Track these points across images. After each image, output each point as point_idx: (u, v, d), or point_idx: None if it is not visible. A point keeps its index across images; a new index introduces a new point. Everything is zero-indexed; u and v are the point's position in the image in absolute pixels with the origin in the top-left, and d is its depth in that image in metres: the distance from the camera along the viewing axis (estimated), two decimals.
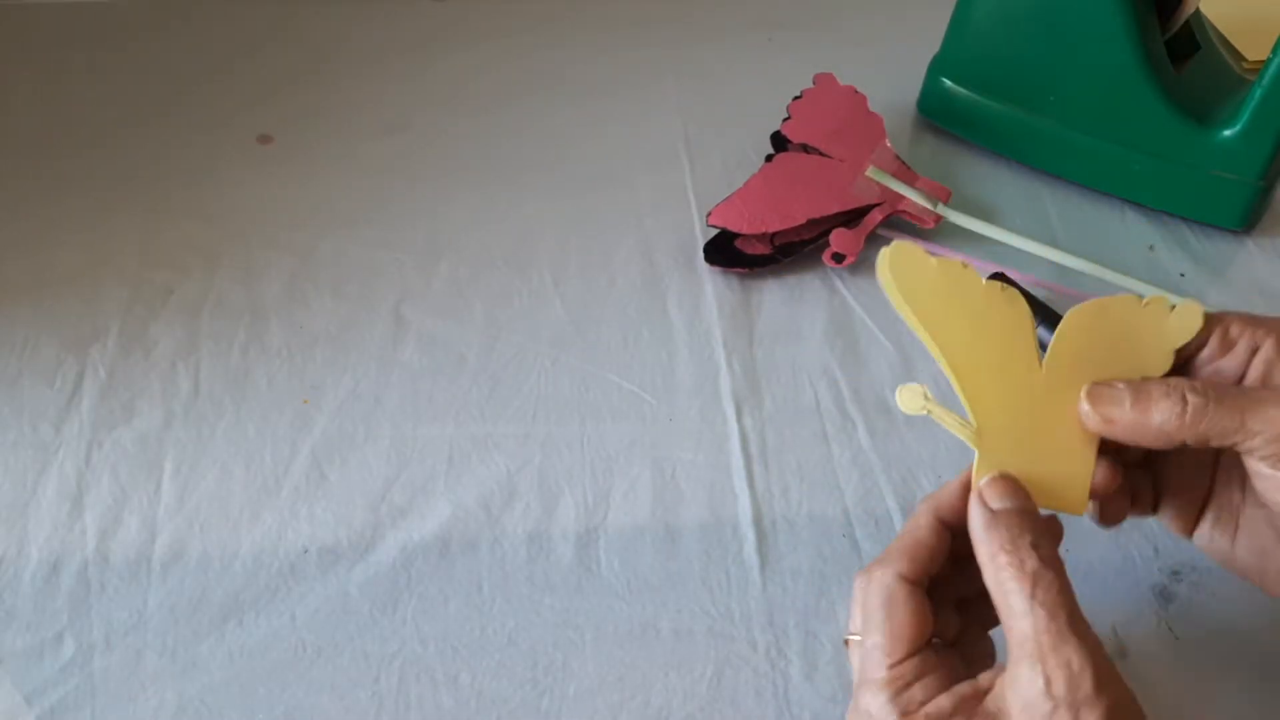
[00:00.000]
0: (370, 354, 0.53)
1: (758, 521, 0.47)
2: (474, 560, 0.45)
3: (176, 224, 0.59)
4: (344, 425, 0.50)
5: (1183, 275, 0.59)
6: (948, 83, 0.65)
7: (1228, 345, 0.38)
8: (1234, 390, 0.36)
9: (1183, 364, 0.39)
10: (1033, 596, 0.33)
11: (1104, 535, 0.46)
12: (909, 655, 0.35)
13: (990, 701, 0.33)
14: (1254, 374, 0.38)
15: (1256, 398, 0.36)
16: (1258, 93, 0.56)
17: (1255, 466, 0.37)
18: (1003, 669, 0.34)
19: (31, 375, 0.51)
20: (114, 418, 0.49)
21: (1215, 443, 0.36)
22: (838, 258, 0.57)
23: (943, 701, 0.34)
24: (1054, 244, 0.59)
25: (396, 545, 0.45)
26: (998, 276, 0.55)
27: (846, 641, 0.39)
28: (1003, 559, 0.34)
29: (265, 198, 0.60)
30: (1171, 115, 0.59)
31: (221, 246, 0.57)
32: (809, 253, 0.58)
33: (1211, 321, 0.38)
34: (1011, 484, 0.36)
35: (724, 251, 0.57)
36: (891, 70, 0.67)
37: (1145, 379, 0.37)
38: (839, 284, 0.57)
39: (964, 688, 0.34)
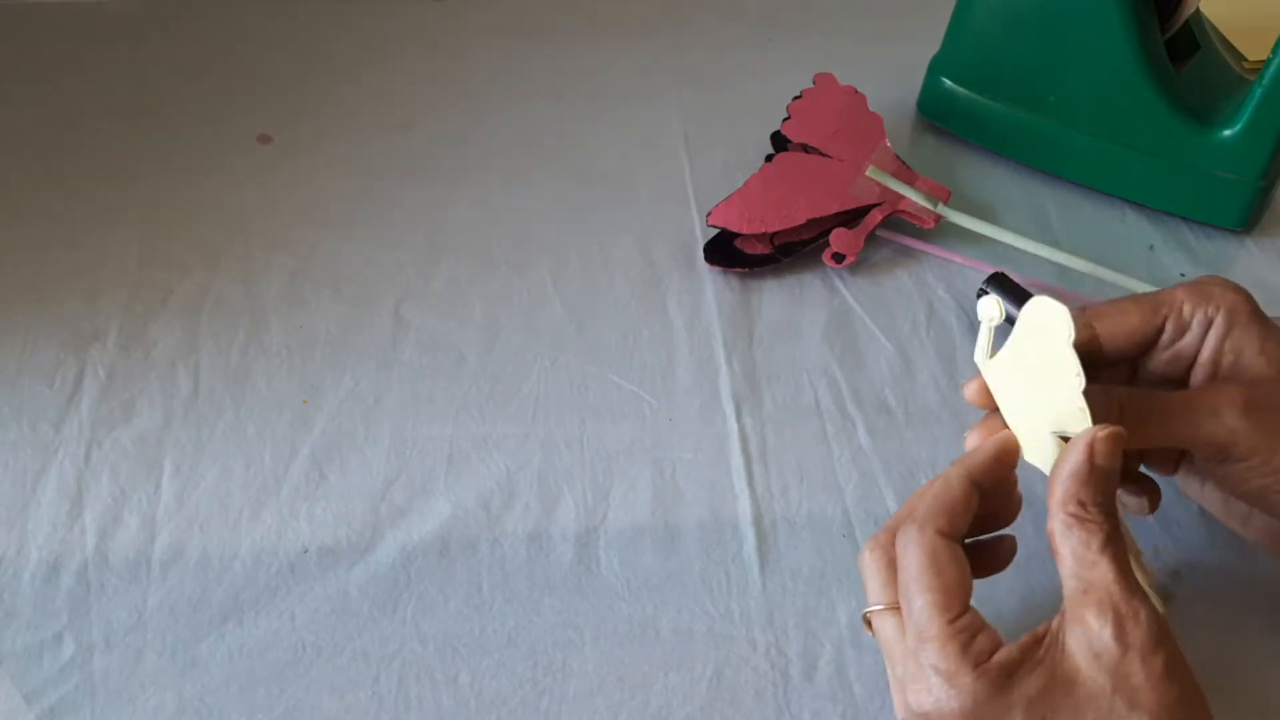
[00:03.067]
0: (370, 354, 0.53)
1: (757, 521, 0.47)
2: (474, 560, 0.45)
3: (176, 224, 0.59)
4: (344, 425, 0.50)
5: (1183, 275, 0.59)
6: (948, 83, 0.65)
7: (1182, 327, 0.39)
8: (1157, 404, 0.38)
9: (1144, 348, 0.40)
10: (1105, 550, 0.34)
11: None
12: (964, 609, 0.35)
13: (1052, 649, 0.34)
14: (1205, 354, 0.39)
15: (1179, 406, 0.38)
16: (1258, 93, 0.56)
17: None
18: (1058, 619, 0.34)
19: (31, 375, 0.51)
20: (114, 417, 0.49)
21: (1162, 445, 0.39)
22: (838, 258, 0.57)
23: (1011, 651, 0.34)
24: (1054, 244, 0.59)
25: (396, 545, 0.45)
26: (996, 277, 0.55)
27: (867, 618, 0.39)
28: (1093, 511, 0.35)
29: (265, 198, 0.60)
30: (1171, 115, 0.59)
31: (221, 246, 0.57)
32: (809, 253, 0.58)
33: (1162, 304, 0.39)
34: (1118, 445, 0.36)
35: (724, 251, 0.57)
36: (891, 70, 0.67)
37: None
38: (839, 284, 0.57)
39: (1027, 639, 0.35)
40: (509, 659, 0.42)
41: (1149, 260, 0.60)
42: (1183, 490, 0.44)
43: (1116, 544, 0.34)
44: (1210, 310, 0.39)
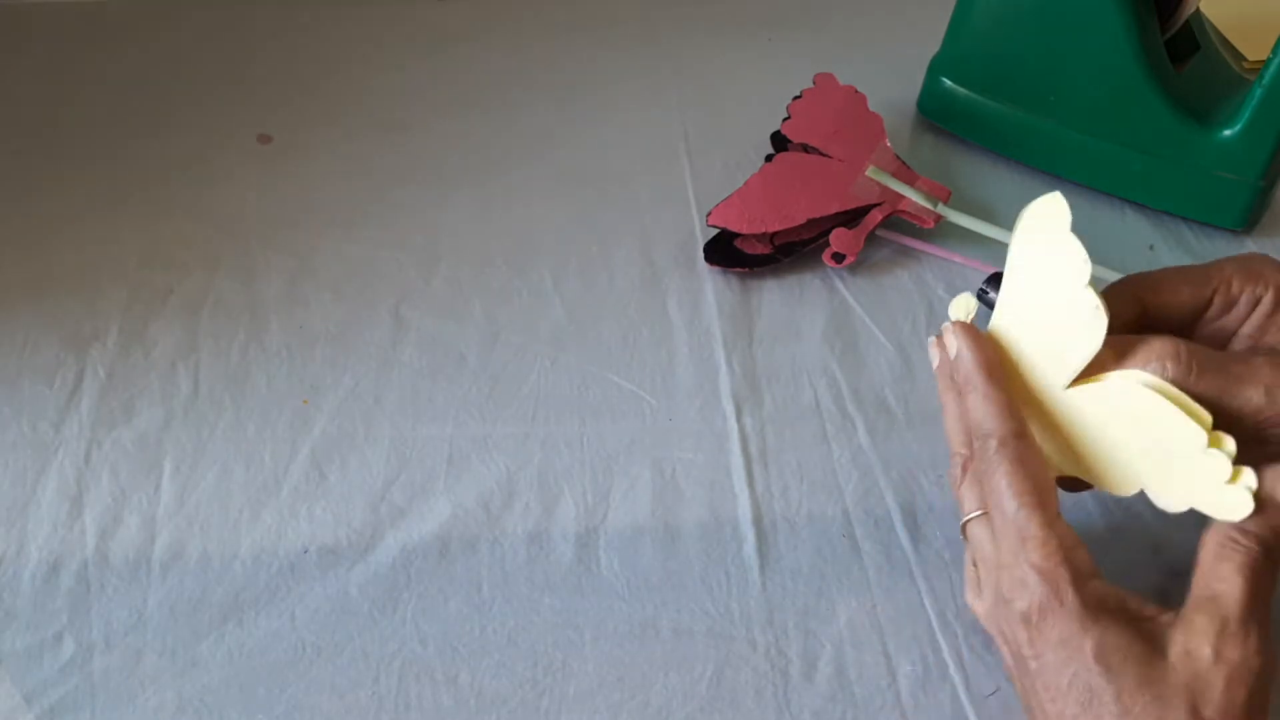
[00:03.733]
0: (370, 354, 0.53)
1: (757, 521, 0.47)
2: (474, 560, 0.45)
3: (176, 224, 0.59)
4: (344, 425, 0.50)
5: None
6: (948, 83, 0.65)
7: (1230, 302, 0.39)
8: (1218, 360, 0.37)
9: (1191, 320, 0.40)
10: (1242, 571, 0.35)
11: (1104, 535, 0.46)
12: (1058, 510, 0.36)
13: (1156, 625, 0.35)
14: (1248, 329, 0.39)
15: (1234, 373, 0.37)
16: (1258, 93, 0.56)
17: None
18: (1167, 611, 0.35)
19: (31, 375, 0.51)
20: (113, 417, 0.49)
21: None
22: (838, 258, 0.57)
23: (1123, 596, 0.35)
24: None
25: (396, 545, 0.45)
26: (996, 277, 0.55)
27: (964, 527, 0.40)
28: (1249, 539, 0.35)
29: (265, 198, 0.60)
30: (1171, 115, 0.59)
31: (221, 246, 0.57)
32: (809, 253, 0.58)
33: (1212, 278, 0.39)
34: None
35: (724, 251, 0.57)
36: (891, 70, 0.67)
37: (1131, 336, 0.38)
38: (839, 284, 0.57)
39: (1137, 600, 0.36)
40: (509, 659, 0.42)
41: (1149, 260, 0.60)
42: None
43: (1259, 573, 0.35)
44: (1259, 289, 0.39)
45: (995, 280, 0.55)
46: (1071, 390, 0.38)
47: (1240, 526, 0.36)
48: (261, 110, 0.66)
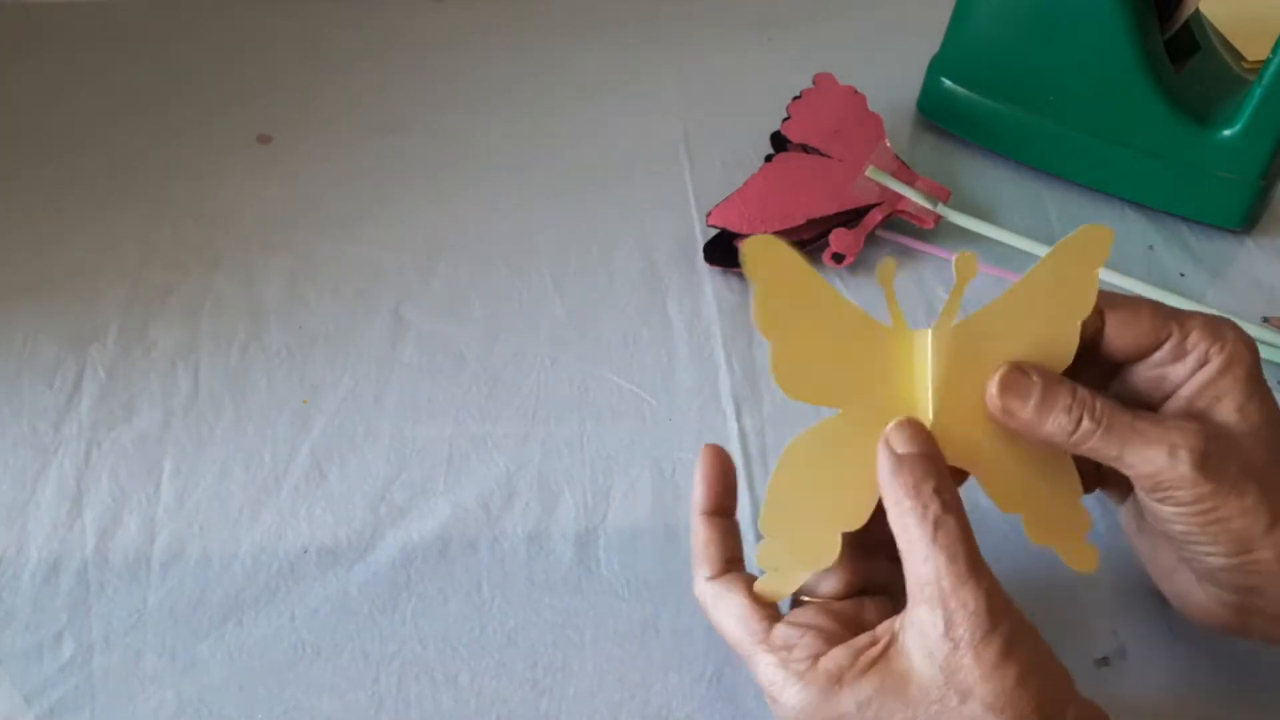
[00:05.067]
0: (370, 354, 0.53)
1: (758, 521, 0.47)
2: (474, 560, 0.45)
3: (176, 224, 0.59)
4: (343, 425, 0.50)
5: (1182, 275, 0.59)
6: (947, 83, 0.65)
7: (1181, 353, 0.38)
8: (1127, 420, 0.36)
9: (1138, 356, 0.39)
10: (934, 541, 0.34)
11: (1104, 534, 0.46)
12: (770, 627, 0.36)
13: (890, 648, 0.34)
14: (1188, 389, 0.38)
15: (1141, 431, 0.36)
16: (1258, 93, 0.56)
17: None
18: (899, 618, 0.35)
19: (31, 375, 0.51)
20: (113, 418, 0.49)
21: (1101, 459, 0.37)
22: (837, 258, 0.57)
23: (839, 656, 0.35)
24: (1054, 244, 0.59)
25: (396, 545, 0.45)
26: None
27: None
28: (907, 504, 0.34)
29: (265, 198, 0.60)
30: (1171, 115, 0.59)
31: (221, 246, 0.57)
32: (809, 252, 0.58)
33: (1173, 321, 0.38)
34: (917, 428, 0.36)
35: (724, 251, 0.57)
36: (891, 70, 0.67)
37: (1059, 376, 0.37)
38: (839, 284, 0.57)
39: (860, 639, 0.35)
40: (509, 659, 0.42)
41: (1149, 260, 0.60)
42: (1123, 528, 0.42)
43: (947, 534, 0.34)
44: (1213, 350, 0.37)
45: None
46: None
47: (906, 483, 0.35)
48: (261, 110, 0.66)
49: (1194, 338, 0.38)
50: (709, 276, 0.57)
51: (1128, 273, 0.58)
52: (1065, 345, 0.38)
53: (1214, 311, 0.52)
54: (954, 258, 0.37)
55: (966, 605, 0.33)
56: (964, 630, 0.33)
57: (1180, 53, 0.61)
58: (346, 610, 0.43)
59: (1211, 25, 0.66)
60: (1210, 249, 0.61)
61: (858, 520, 0.37)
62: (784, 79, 0.65)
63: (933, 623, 0.33)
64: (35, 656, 0.41)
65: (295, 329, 0.54)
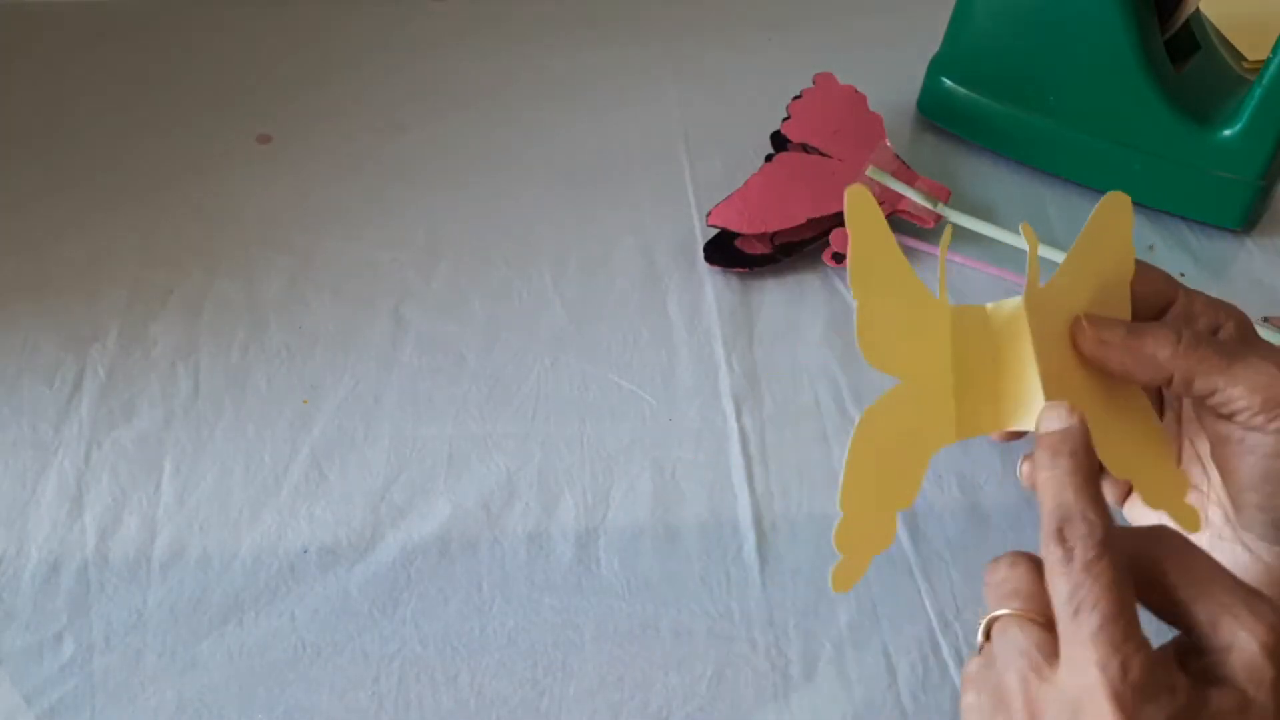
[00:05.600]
0: (370, 354, 0.53)
1: (758, 521, 0.47)
2: (474, 560, 0.45)
3: (176, 224, 0.59)
4: (344, 425, 0.50)
5: (1183, 275, 0.59)
6: (948, 82, 0.65)
7: (1192, 317, 0.38)
8: (1226, 341, 0.36)
9: (1152, 308, 0.39)
10: (1094, 608, 0.29)
11: None
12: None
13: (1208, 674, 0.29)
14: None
15: (1246, 352, 0.35)
16: (1258, 93, 0.56)
17: (1221, 430, 0.36)
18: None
19: (31, 375, 0.51)
20: (113, 418, 0.49)
21: (1198, 387, 0.35)
22: (838, 257, 0.57)
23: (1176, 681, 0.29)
24: (1054, 244, 0.59)
25: (396, 545, 0.45)
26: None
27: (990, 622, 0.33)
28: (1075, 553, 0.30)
29: (265, 198, 0.60)
30: (1171, 115, 0.59)
31: (221, 246, 0.57)
32: (809, 253, 0.58)
33: (1179, 288, 0.38)
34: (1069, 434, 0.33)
35: (724, 251, 0.57)
36: (891, 70, 0.67)
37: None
38: (839, 284, 0.57)
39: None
40: (509, 659, 0.42)
41: (1149, 260, 0.60)
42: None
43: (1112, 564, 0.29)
44: (1221, 315, 0.38)
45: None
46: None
47: (1055, 540, 0.30)
48: (261, 110, 0.66)
49: (1199, 305, 0.38)
50: (709, 276, 0.57)
51: None
52: (1123, 310, 0.38)
53: None
54: (1021, 226, 0.37)
55: (1273, 624, 0.29)
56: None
57: (1180, 53, 0.61)
58: (346, 610, 0.43)
59: (1211, 25, 0.66)
60: (1210, 249, 0.61)
61: (908, 498, 0.36)
62: (784, 79, 0.65)
63: (1248, 645, 0.29)
64: (35, 656, 0.41)
65: (295, 329, 0.54)
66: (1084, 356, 0.37)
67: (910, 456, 0.36)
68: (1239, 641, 0.29)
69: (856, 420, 0.36)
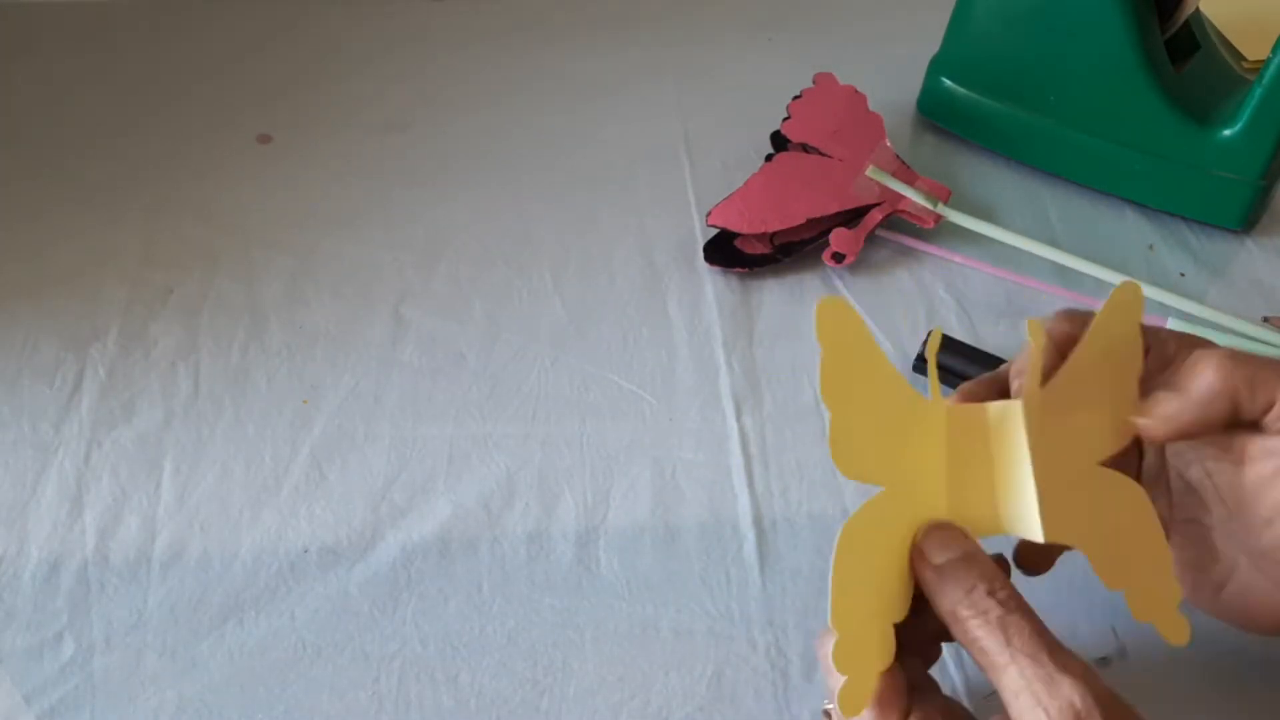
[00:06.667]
0: (370, 354, 0.53)
1: (757, 521, 0.47)
2: (474, 560, 0.45)
3: (176, 224, 0.59)
4: (344, 425, 0.50)
5: (1183, 275, 0.59)
6: (947, 82, 0.65)
7: (1166, 360, 0.37)
8: (1250, 354, 0.36)
9: None
10: (1009, 645, 0.31)
11: None
12: (905, 717, 0.33)
13: None
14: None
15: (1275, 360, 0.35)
16: (1258, 92, 0.56)
17: (1251, 449, 0.36)
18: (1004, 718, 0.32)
19: (31, 375, 0.51)
20: (114, 417, 0.49)
21: (1245, 401, 0.35)
22: (838, 257, 0.57)
23: None
24: (1054, 244, 0.59)
25: (396, 545, 0.45)
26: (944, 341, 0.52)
27: (826, 713, 0.37)
28: (964, 613, 0.33)
29: (265, 198, 0.60)
30: (1171, 115, 0.59)
31: (221, 246, 0.57)
32: (809, 252, 0.58)
33: (1148, 333, 0.37)
34: (947, 532, 0.34)
35: (724, 251, 0.57)
36: (891, 70, 0.67)
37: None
38: (839, 284, 0.57)
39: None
40: (509, 659, 0.42)
41: (1149, 260, 0.60)
42: None
43: (1019, 634, 0.31)
44: (1199, 351, 0.37)
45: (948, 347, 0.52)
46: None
47: (956, 593, 0.33)
48: (261, 110, 0.66)
49: (1172, 345, 0.38)
50: (709, 276, 0.57)
51: (1128, 272, 0.58)
52: (1131, 396, 0.37)
53: (1213, 311, 0.52)
54: (1027, 322, 0.35)
55: (1072, 703, 0.30)
56: None
57: (1180, 53, 0.61)
58: (346, 610, 0.43)
59: (1211, 25, 0.66)
60: (1210, 249, 0.61)
61: (902, 610, 0.35)
62: (784, 79, 0.65)
63: None
64: (35, 656, 0.41)
65: (295, 329, 0.54)
66: (1149, 438, 0.36)
67: (899, 566, 0.35)
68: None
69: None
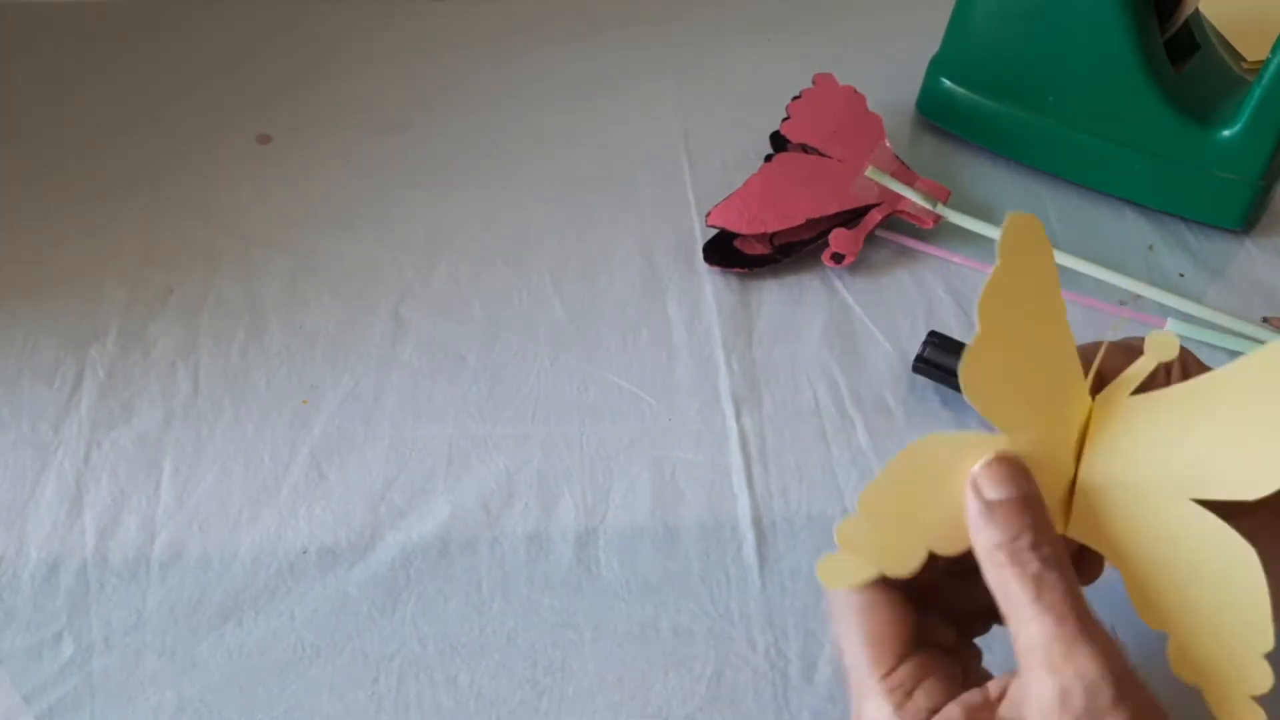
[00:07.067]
0: (370, 354, 0.53)
1: (757, 521, 0.47)
2: (473, 560, 0.45)
3: (176, 224, 0.59)
4: (343, 425, 0.50)
5: (1182, 275, 0.59)
6: (947, 83, 0.65)
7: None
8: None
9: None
10: (1038, 600, 0.30)
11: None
12: (899, 661, 0.32)
13: (1006, 710, 0.31)
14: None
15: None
16: (1258, 93, 0.56)
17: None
18: (1012, 676, 0.31)
19: (31, 375, 0.51)
20: (113, 417, 0.49)
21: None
22: (837, 258, 0.57)
23: (952, 712, 0.31)
24: (1053, 244, 0.58)
25: (396, 545, 0.45)
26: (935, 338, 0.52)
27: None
28: (1000, 557, 0.31)
29: (265, 198, 0.60)
30: (1171, 115, 0.59)
31: (221, 246, 0.57)
32: (808, 253, 0.58)
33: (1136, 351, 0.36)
34: (1010, 468, 0.32)
35: (723, 251, 0.57)
36: (891, 70, 0.67)
37: None
38: (838, 284, 0.57)
39: (973, 696, 0.31)
40: (509, 659, 0.42)
41: (1149, 260, 0.60)
42: None
43: (1052, 592, 0.30)
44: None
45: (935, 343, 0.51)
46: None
47: (999, 535, 0.31)
48: (261, 110, 0.66)
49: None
50: (709, 276, 0.57)
51: (1128, 273, 0.58)
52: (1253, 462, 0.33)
53: (1213, 311, 0.52)
54: (1148, 336, 0.33)
55: (1084, 674, 0.29)
56: (1081, 702, 0.29)
57: (1180, 53, 0.61)
58: (346, 610, 0.43)
59: (1211, 25, 0.66)
60: (1210, 249, 0.61)
61: (951, 548, 0.32)
62: (784, 79, 0.65)
63: (1047, 692, 0.29)
64: (35, 656, 0.41)
65: (295, 329, 0.54)
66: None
67: (962, 503, 0.32)
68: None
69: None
